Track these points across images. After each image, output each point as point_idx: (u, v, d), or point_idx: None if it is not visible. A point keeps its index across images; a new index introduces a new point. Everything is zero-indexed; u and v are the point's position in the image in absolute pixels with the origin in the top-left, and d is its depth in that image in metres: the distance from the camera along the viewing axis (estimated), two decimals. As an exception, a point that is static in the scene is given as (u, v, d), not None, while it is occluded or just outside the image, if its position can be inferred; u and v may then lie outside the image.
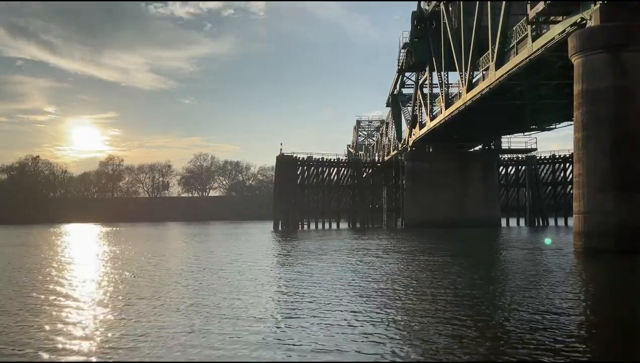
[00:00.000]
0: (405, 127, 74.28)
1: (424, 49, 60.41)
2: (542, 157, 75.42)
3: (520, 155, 73.68)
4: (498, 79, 40.21)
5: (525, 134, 64.83)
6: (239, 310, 12.53)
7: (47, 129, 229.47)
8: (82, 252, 35.69)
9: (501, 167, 75.17)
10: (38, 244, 43.90)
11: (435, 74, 58.76)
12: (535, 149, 70.33)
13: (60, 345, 9.58)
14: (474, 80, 47.12)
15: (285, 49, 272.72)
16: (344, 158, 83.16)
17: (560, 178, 75.48)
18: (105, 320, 11.72)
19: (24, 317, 12.10)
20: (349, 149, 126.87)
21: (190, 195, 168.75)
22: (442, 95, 55.85)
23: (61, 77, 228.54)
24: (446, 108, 54.44)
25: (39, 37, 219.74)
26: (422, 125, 65.29)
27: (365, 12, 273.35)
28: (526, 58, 34.95)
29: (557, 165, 75.33)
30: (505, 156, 74.12)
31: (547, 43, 31.97)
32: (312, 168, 72.86)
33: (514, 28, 37.40)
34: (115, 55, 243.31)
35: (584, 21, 27.32)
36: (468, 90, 47.30)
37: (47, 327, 11.02)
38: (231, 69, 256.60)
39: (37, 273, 21.18)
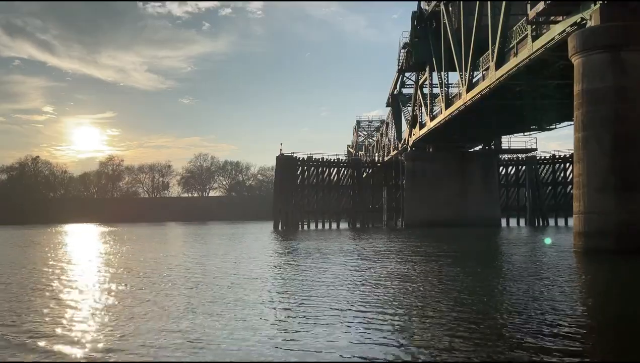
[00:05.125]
0: (405, 127, 74.35)
1: (424, 49, 60.44)
2: (542, 157, 75.49)
3: (520, 155, 73.72)
4: (498, 79, 40.22)
5: (525, 134, 64.90)
6: (239, 311, 12.53)
7: (45, 129, 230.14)
8: (88, 253, 35.68)
9: (501, 167, 75.22)
10: (41, 244, 43.91)
11: (435, 74, 58.77)
12: (535, 149, 70.41)
13: (59, 345, 9.60)
14: (474, 80, 47.13)
15: (283, 48, 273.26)
16: (344, 158, 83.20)
17: (560, 178, 75.53)
18: (104, 321, 11.72)
19: (25, 313, 12.12)
20: (349, 149, 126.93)
21: (190, 195, 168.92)
22: (442, 95, 55.86)
23: (59, 76, 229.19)
24: (446, 108, 54.44)
25: (36, 36, 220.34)
26: (422, 125, 65.31)
27: (364, 12, 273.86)
28: (526, 58, 34.95)
29: (557, 165, 75.38)
30: (505, 156, 74.16)
31: (547, 43, 31.97)
32: (312, 168, 72.90)
33: (514, 28, 37.40)
34: (113, 54, 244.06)
35: (584, 21, 27.32)
36: (468, 90, 47.30)
37: (46, 326, 11.04)
38: (229, 68, 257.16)
39: (40, 273, 21.22)
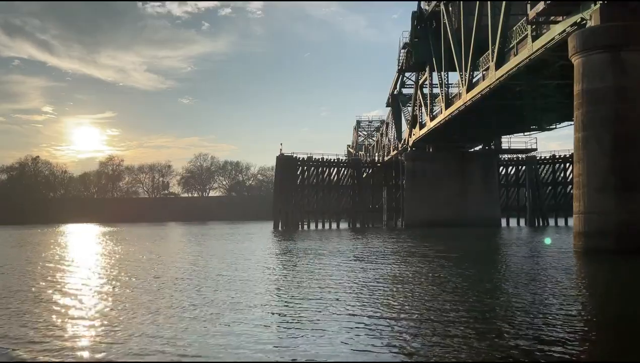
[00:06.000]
0: (405, 127, 74.33)
1: (424, 49, 60.41)
2: (542, 157, 75.48)
3: (520, 155, 73.69)
4: (498, 79, 40.21)
5: (525, 134, 64.86)
6: (239, 311, 12.53)
7: (44, 129, 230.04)
8: (84, 253, 35.68)
9: (501, 167, 75.21)
10: (38, 245, 43.91)
11: (435, 74, 58.76)
12: (535, 149, 70.38)
13: (61, 345, 9.59)
14: (474, 80, 47.11)
15: (283, 48, 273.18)
16: (344, 158, 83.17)
17: (560, 178, 75.51)
18: (105, 321, 11.71)
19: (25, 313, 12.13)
20: (349, 149, 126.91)
21: (190, 195, 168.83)
22: (442, 95, 55.85)
23: (58, 76, 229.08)
24: (446, 108, 54.43)
25: (35, 36, 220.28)
26: (422, 125, 65.29)
27: (364, 12, 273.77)
28: (526, 58, 34.94)
29: (557, 165, 75.36)
30: (505, 156, 74.14)
31: (547, 43, 31.97)
32: (312, 168, 72.88)
33: (514, 28, 37.40)
34: (113, 54, 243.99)
35: (584, 21, 27.32)
36: (468, 90, 47.29)
37: (47, 327, 11.03)
38: (229, 68, 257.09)
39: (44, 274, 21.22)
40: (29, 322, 11.55)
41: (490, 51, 41.46)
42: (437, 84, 58.25)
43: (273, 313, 12.16)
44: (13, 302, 14.28)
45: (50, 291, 16.23)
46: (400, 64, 69.26)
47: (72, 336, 10.34)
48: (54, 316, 12.27)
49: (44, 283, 17.98)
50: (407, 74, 71.37)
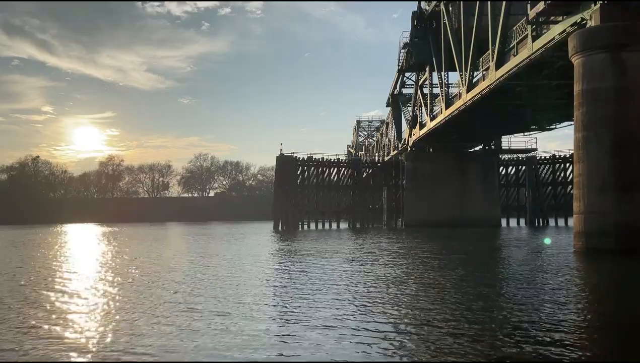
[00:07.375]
0: (405, 127, 74.37)
1: (424, 49, 60.47)
2: (542, 157, 75.53)
3: (520, 155, 73.76)
4: (498, 79, 40.22)
5: (525, 134, 64.86)
6: (239, 311, 12.54)
7: (44, 129, 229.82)
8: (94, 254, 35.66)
9: (501, 167, 75.25)
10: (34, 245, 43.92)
11: (435, 74, 58.79)
12: (535, 149, 70.44)
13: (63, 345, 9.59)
14: (474, 80, 47.13)
15: (282, 48, 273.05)
16: (344, 158, 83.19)
17: (560, 178, 75.55)
18: (106, 320, 11.71)
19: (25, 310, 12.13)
20: (349, 149, 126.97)
21: (190, 195, 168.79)
22: (442, 95, 55.88)
23: (58, 76, 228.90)
24: (446, 108, 54.45)
25: (35, 36, 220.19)
26: (422, 126, 65.33)
27: (364, 11, 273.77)
28: (526, 58, 34.96)
29: (557, 165, 75.40)
30: (505, 156, 74.21)
31: (547, 43, 31.99)
32: (312, 168, 72.87)
33: (514, 28, 37.42)
34: (112, 54, 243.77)
35: (584, 21, 27.33)
36: (468, 90, 47.31)
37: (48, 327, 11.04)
38: (229, 68, 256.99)
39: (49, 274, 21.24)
40: (15, 320, 11.57)
41: (490, 51, 41.48)
42: (437, 84, 58.28)
43: (270, 311, 12.17)
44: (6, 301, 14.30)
45: (44, 291, 16.25)
46: (400, 64, 69.33)
47: (69, 336, 10.34)
48: (42, 314, 12.29)
49: (36, 282, 18.02)
50: (407, 74, 71.45)
